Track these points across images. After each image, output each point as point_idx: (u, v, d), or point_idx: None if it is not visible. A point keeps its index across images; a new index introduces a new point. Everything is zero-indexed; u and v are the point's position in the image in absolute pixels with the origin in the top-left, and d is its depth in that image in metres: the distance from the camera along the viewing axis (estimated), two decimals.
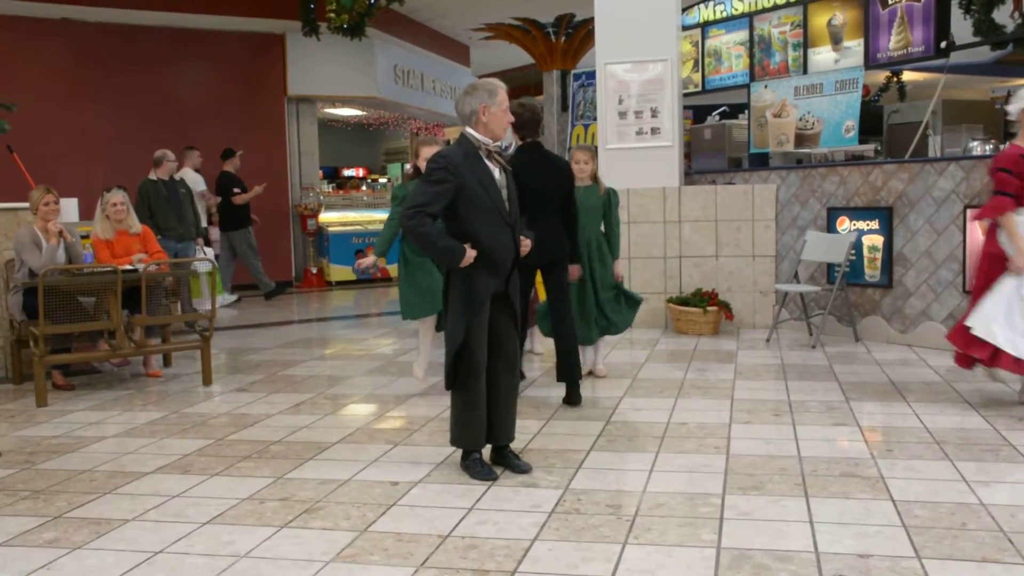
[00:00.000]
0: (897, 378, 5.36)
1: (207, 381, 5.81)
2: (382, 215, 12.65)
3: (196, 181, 9.32)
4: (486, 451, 3.80)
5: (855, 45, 7.08)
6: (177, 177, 8.26)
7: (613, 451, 3.99)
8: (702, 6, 8.42)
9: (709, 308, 7.11)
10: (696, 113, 9.27)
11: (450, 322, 3.53)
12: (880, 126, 8.92)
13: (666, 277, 7.59)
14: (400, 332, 7.91)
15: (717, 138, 8.52)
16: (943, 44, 6.62)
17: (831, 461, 3.73)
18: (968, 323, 4.52)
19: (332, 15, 9.85)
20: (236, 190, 9.96)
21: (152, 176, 8.03)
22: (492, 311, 3.58)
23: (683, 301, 7.28)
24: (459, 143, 3.55)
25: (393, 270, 12.35)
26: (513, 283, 3.63)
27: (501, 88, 3.52)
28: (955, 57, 6.78)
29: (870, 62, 7.06)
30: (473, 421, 3.58)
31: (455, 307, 3.51)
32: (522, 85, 15.78)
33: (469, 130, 3.51)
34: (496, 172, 3.54)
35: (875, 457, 3.77)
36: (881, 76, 11.00)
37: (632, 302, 5.43)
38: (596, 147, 5.29)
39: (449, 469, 3.76)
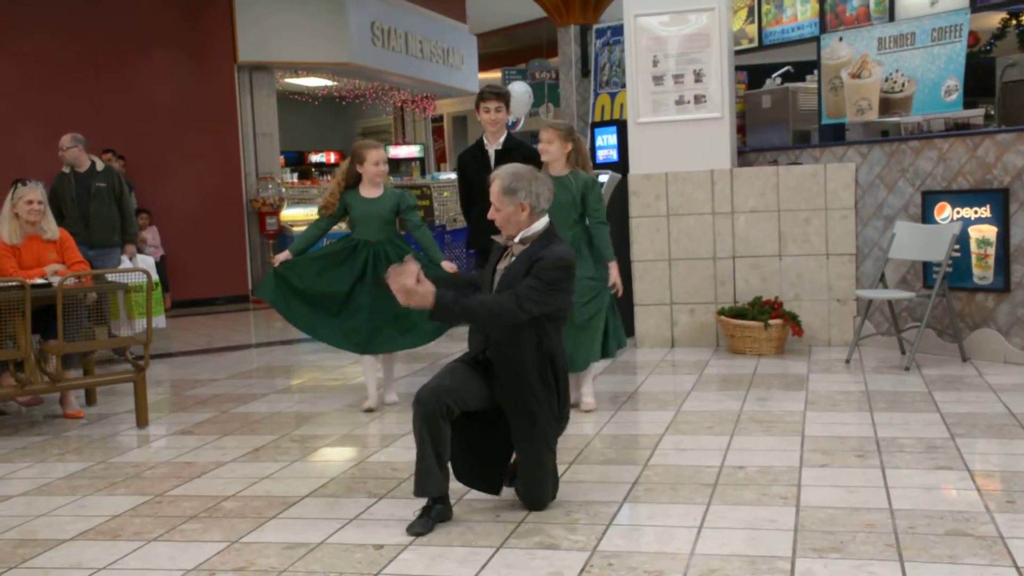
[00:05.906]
0: (1020, 408, 5.32)
1: (142, 422, 5.82)
2: None
3: None
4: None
5: None
6: (100, 168, 8.14)
7: (653, 502, 3.99)
8: None
9: (771, 321, 7.10)
10: (752, 75, 9.24)
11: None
12: (992, 85, 8.82)
13: (716, 283, 7.57)
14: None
15: (779, 106, 8.49)
16: None
17: (933, 516, 3.70)
18: None
19: None
20: None
21: (65, 170, 8.00)
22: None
23: (738, 313, 7.26)
24: None
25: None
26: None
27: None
28: None
29: (978, 2, 7.01)
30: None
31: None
32: (531, 45, 15.81)
33: None
34: None
35: (991, 511, 3.74)
36: (994, 19, 10.88)
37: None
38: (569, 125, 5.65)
39: (447, 527, 3.76)
